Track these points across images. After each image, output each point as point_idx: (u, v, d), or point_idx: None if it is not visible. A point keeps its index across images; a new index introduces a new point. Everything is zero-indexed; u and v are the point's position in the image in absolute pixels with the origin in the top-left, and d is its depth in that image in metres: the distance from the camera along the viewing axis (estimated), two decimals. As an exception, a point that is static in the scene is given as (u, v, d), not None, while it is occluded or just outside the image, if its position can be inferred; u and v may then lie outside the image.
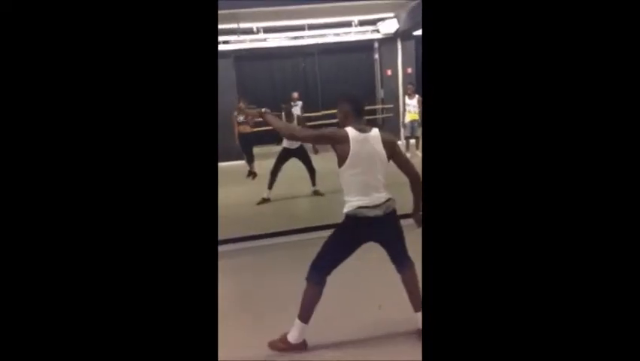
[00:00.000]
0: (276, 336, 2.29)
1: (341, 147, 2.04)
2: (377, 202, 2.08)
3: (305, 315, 2.20)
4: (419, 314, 2.25)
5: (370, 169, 2.07)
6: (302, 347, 2.26)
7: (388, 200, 2.13)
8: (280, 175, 5.63)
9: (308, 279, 2.20)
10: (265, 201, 5.56)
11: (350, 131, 2.06)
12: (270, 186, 5.57)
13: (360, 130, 2.07)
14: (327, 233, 2.27)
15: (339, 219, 2.20)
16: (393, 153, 2.14)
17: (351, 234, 2.15)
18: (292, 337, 2.23)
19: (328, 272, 2.19)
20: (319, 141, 2.24)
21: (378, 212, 2.08)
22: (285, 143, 5.54)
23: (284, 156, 5.56)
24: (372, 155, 2.06)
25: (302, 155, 5.56)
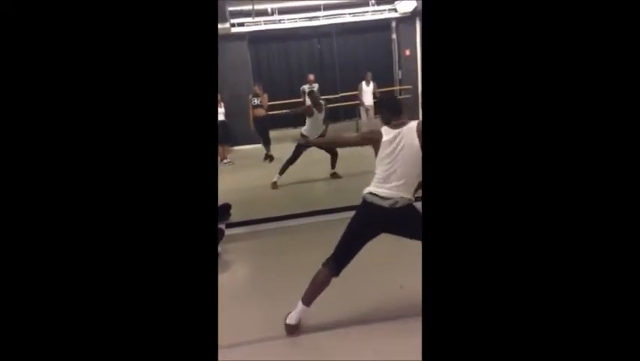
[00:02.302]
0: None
1: (375, 145, 2.22)
2: (388, 195, 2.11)
3: (309, 299, 2.22)
4: None
5: (395, 165, 2.14)
6: (294, 329, 2.25)
7: (401, 198, 2.11)
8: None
9: (325, 265, 2.20)
10: (274, 185, 5.48)
11: (384, 130, 2.19)
12: (282, 173, 5.50)
13: (395, 126, 2.17)
14: (344, 215, 2.23)
15: (356, 202, 2.19)
16: None
17: (363, 218, 2.18)
18: (290, 318, 2.24)
19: (345, 265, 2.19)
20: (362, 142, 2.34)
21: (385, 204, 2.11)
22: (306, 132, 5.43)
23: (304, 147, 5.42)
24: (401, 151, 2.13)
25: None
